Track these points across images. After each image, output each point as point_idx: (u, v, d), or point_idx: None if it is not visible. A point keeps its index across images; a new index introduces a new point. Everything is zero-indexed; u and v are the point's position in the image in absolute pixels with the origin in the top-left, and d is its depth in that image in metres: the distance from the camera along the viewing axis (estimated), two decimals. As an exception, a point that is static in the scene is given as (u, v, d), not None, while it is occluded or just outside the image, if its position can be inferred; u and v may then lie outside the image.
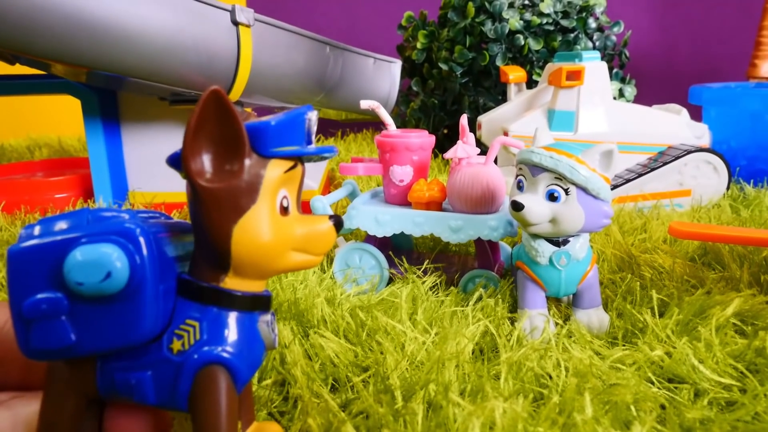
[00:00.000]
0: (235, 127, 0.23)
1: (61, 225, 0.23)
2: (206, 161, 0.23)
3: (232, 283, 0.24)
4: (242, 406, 0.27)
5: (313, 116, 0.25)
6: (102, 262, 0.22)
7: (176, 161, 0.24)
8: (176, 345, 0.24)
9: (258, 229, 0.23)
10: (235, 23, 0.64)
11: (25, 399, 0.27)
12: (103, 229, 0.22)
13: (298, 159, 0.25)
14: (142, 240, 0.22)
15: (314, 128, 0.26)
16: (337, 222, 0.26)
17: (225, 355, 0.23)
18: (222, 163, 0.23)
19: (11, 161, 1.18)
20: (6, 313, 0.27)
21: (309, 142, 0.25)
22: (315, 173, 0.77)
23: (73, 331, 0.23)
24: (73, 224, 0.23)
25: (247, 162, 0.23)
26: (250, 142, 0.23)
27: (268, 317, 0.26)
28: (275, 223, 0.24)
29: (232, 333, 0.24)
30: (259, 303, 0.25)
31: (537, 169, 0.40)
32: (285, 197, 0.25)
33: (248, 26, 0.65)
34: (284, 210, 0.25)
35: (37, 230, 0.23)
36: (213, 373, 0.23)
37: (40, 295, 0.22)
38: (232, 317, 0.24)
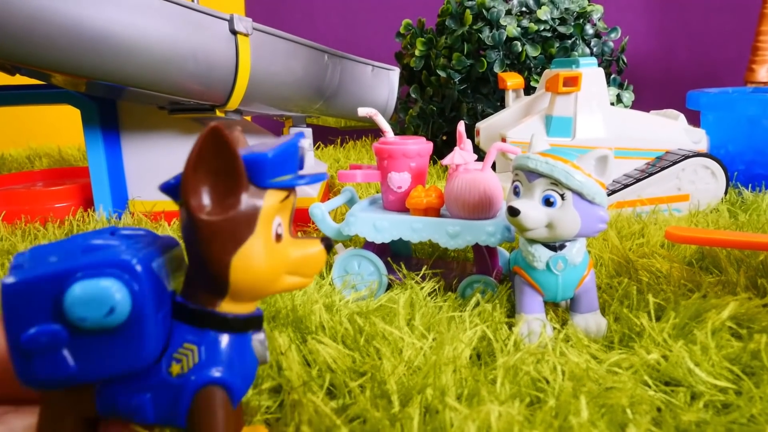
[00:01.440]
0: (234, 162, 0.23)
1: (54, 255, 0.23)
2: (206, 196, 0.24)
3: (227, 307, 0.25)
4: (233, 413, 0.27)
5: (305, 143, 0.26)
6: (104, 298, 0.22)
7: (170, 190, 0.25)
8: (175, 368, 0.24)
9: (256, 258, 0.24)
10: (234, 32, 0.64)
11: (20, 413, 0.27)
12: (100, 261, 0.23)
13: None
14: (139, 270, 0.23)
15: (305, 154, 0.27)
16: (327, 245, 0.27)
17: (223, 375, 0.24)
18: (221, 196, 0.24)
19: (11, 171, 1.18)
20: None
21: (301, 168, 0.26)
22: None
23: (74, 361, 0.23)
24: (66, 254, 0.24)
25: (245, 194, 0.24)
26: (248, 175, 0.24)
27: (261, 336, 0.27)
28: (271, 250, 0.25)
29: (228, 354, 0.25)
30: (253, 323, 0.26)
31: (533, 174, 0.40)
32: (280, 224, 0.25)
33: (247, 35, 0.65)
34: (278, 237, 0.25)
35: (28, 260, 0.23)
36: (211, 393, 0.24)
37: (38, 328, 0.22)
38: (229, 339, 0.25)
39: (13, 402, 0.27)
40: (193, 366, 0.24)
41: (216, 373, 0.24)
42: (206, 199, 0.23)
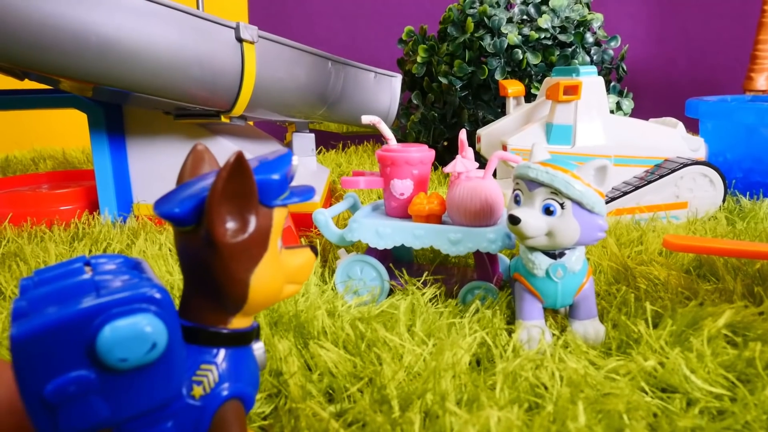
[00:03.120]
0: (252, 187, 0.24)
1: (62, 294, 0.22)
2: (230, 221, 0.24)
3: (237, 323, 0.26)
4: None
5: (295, 160, 0.27)
6: (144, 335, 0.22)
7: (175, 218, 0.24)
8: (197, 391, 0.25)
9: (271, 273, 0.26)
10: (240, 40, 0.65)
11: None
12: (126, 298, 0.22)
13: None
14: (164, 301, 0.23)
15: (295, 171, 0.28)
16: (314, 250, 0.29)
17: (240, 388, 0.26)
18: (239, 219, 0.24)
19: (16, 173, 1.19)
20: None
21: (292, 180, 0.28)
22: (317, 186, 0.78)
23: (106, 405, 0.22)
24: (77, 291, 0.22)
25: (258, 215, 0.25)
26: (258, 196, 0.25)
27: (260, 344, 0.28)
28: (279, 264, 0.26)
29: (241, 367, 0.26)
30: (254, 334, 0.28)
31: (533, 183, 0.41)
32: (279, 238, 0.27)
33: (252, 43, 0.66)
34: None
35: (29, 305, 0.22)
36: (232, 407, 0.25)
37: (64, 378, 0.21)
38: (239, 353, 0.26)
39: None
40: (215, 385, 0.25)
41: (237, 388, 0.25)
42: (230, 224, 0.24)
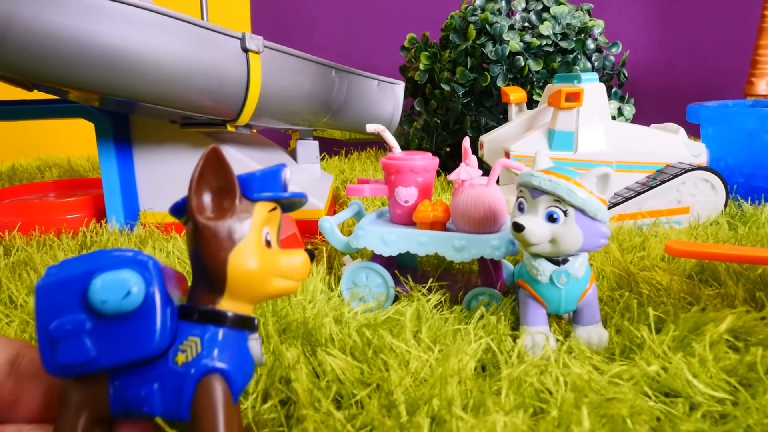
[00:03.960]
0: (229, 176, 0.29)
1: (80, 263, 0.28)
2: (206, 203, 0.29)
3: (226, 304, 0.29)
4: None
5: (287, 172, 0.32)
6: (122, 283, 0.26)
7: (177, 210, 0.30)
8: (180, 358, 0.28)
9: (248, 257, 0.28)
10: (245, 50, 0.66)
11: (43, 429, 0.28)
12: (120, 260, 0.27)
13: (277, 203, 0.31)
14: (152, 267, 0.27)
15: (289, 181, 0.32)
16: (311, 254, 0.31)
17: (222, 365, 0.28)
18: (219, 204, 0.29)
19: (22, 181, 1.20)
20: (19, 348, 0.30)
21: (284, 191, 0.32)
22: (321, 193, 0.79)
23: (94, 347, 0.26)
24: (91, 261, 0.28)
25: (238, 204, 0.29)
26: (241, 189, 0.29)
27: (256, 335, 0.31)
28: (261, 253, 0.29)
29: (227, 347, 0.29)
30: (249, 324, 0.30)
31: (537, 191, 0.41)
32: (268, 233, 0.30)
33: (258, 53, 0.67)
34: (268, 243, 0.30)
35: (59, 269, 0.28)
36: (212, 381, 0.27)
37: (64, 318, 0.26)
38: (227, 334, 0.29)
39: (36, 421, 0.29)
40: (197, 355, 0.28)
41: (216, 363, 0.28)
42: (207, 206, 0.29)
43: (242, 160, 0.76)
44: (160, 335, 0.27)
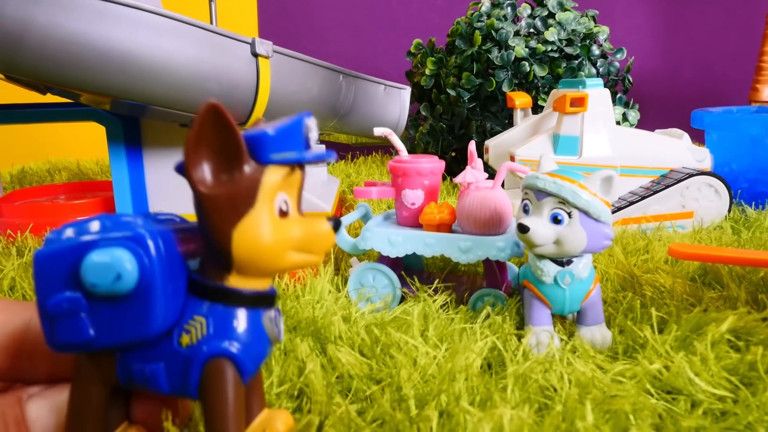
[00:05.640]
0: (233, 137, 0.24)
1: (83, 229, 0.26)
2: (206, 170, 0.24)
3: (236, 281, 0.26)
4: (254, 394, 0.29)
5: (310, 122, 0.26)
6: (112, 265, 0.24)
7: (182, 169, 0.26)
8: (185, 339, 0.26)
9: (256, 232, 0.25)
10: (255, 55, 0.67)
11: (57, 388, 0.29)
12: (116, 234, 0.25)
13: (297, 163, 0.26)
14: (150, 244, 0.24)
15: (313, 133, 0.27)
16: (336, 223, 0.27)
17: (230, 348, 0.25)
18: (221, 171, 0.25)
19: (33, 184, 1.22)
20: (33, 312, 0.30)
21: (308, 147, 0.27)
22: (327, 196, 0.80)
23: (92, 327, 0.25)
24: (93, 229, 0.26)
25: (246, 169, 0.25)
26: (249, 151, 0.25)
27: (271, 313, 0.28)
28: (273, 225, 0.25)
29: (236, 328, 0.26)
30: (263, 300, 0.27)
31: (541, 193, 0.42)
32: (285, 201, 0.26)
33: (267, 57, 0.68)
34: (283, 213, 0.26)
35: (60, 234, 0.26)
36: (220, 365, 0.25)
37: (61, 294, 0.25)
38: (237, 314, 0.26)
39: (47, 381, 0.30)
40: (202, 338, 0.25)
41: (224, 345, 0.25)
42: (207, 173, 0.24)
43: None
44: (159, 317, 0.25)
